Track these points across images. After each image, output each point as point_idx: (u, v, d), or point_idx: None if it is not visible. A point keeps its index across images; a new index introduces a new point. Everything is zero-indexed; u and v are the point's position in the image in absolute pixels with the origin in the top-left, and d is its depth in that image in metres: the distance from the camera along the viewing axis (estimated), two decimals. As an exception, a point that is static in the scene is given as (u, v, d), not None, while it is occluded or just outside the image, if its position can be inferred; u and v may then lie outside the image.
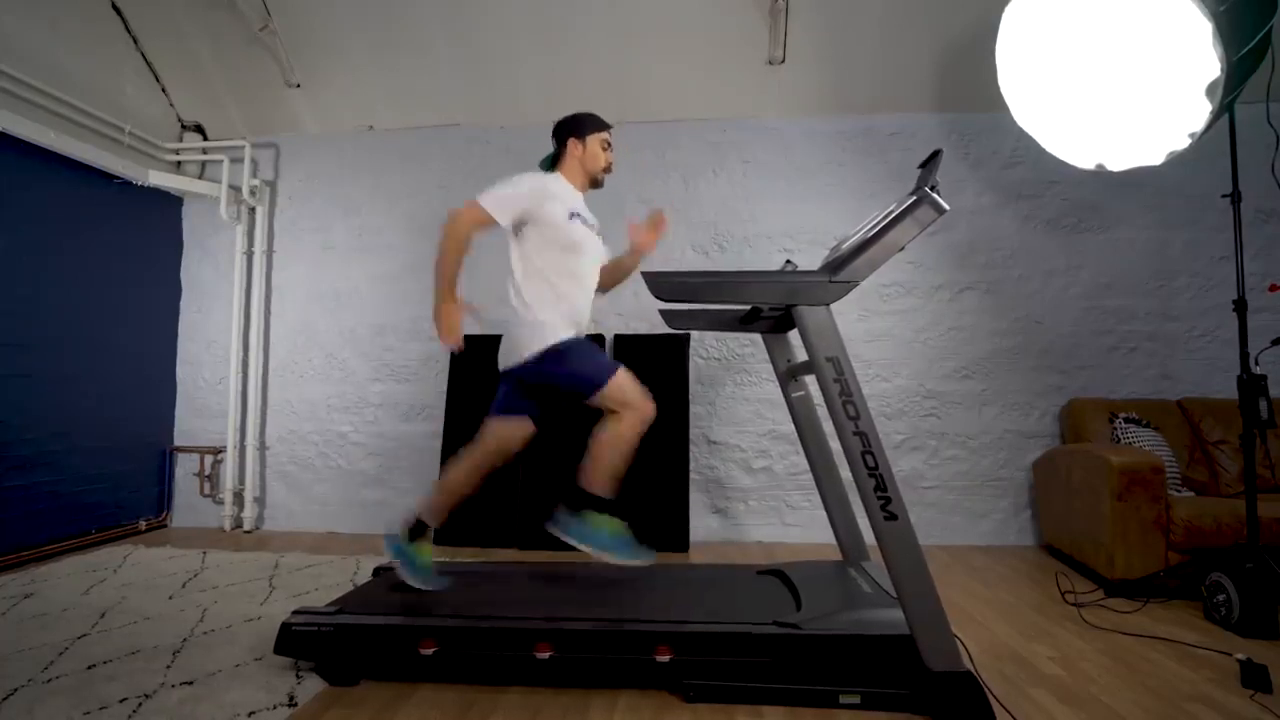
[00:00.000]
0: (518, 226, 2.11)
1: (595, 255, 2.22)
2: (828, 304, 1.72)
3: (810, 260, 3.25)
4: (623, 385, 2.03)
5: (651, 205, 3.76)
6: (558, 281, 2.10)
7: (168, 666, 1.93)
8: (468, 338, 3.73)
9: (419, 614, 1.95)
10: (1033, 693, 1.80)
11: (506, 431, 2.19)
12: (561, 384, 2.08)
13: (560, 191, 2.15)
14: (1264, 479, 2.73)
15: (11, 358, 3.13)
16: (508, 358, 2.13)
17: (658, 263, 3.62)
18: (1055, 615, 2.42)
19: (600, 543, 2.01)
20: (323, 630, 1.86)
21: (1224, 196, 2.42)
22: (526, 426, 2.21)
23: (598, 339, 3.73)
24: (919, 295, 3.67)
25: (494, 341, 3.71)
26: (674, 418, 3.54)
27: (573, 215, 2.12)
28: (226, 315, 3.99)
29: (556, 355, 2.06)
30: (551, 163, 2.27)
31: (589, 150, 2.22)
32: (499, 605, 2.04)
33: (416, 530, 2.18)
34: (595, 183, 2.27)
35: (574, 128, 2.23)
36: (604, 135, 2.25)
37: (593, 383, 2.02)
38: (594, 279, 2.23)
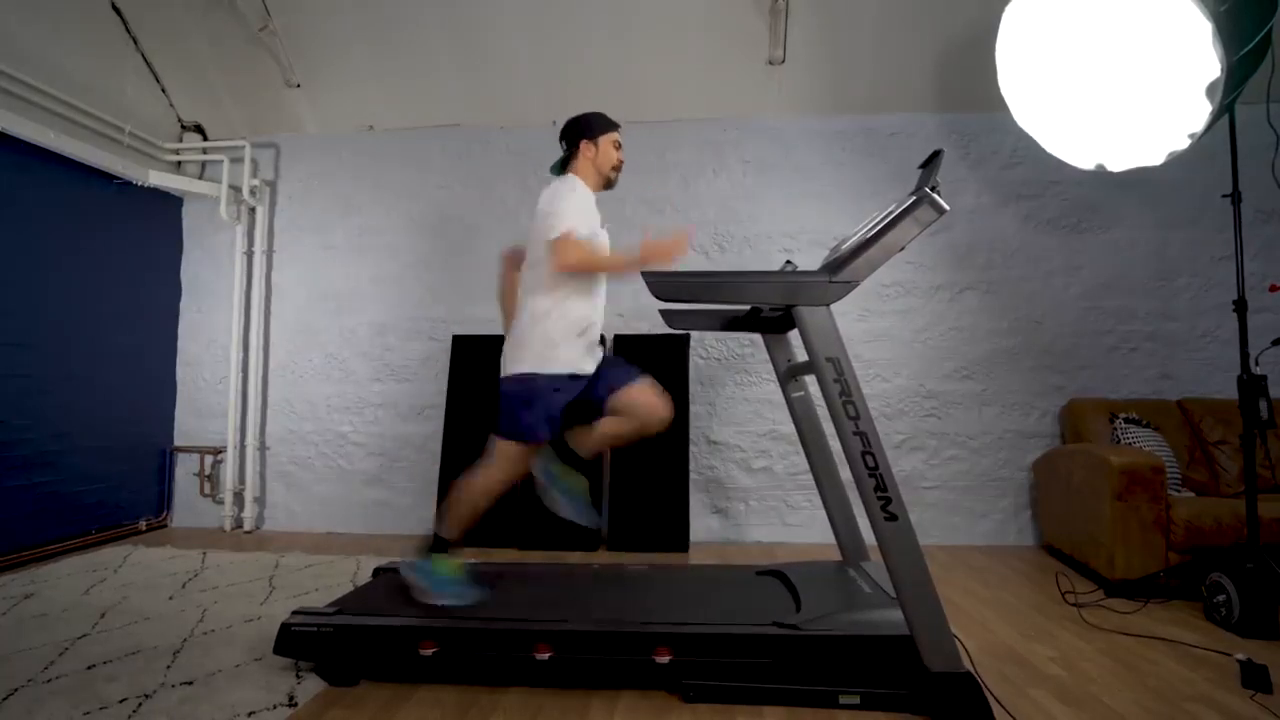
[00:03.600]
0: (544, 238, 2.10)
1: None
2: (828, 304, 1.72)
3: (810, 260, 3.24)
4: (524, 453, 2.07)
5: (652, 206, 3.76)
6: (579, 298, 2.09)
7: (168, 666, 1.93)
8: (465, 338, 3.76)
9: (419, 614, 1.95)
10: (1033, 693, 1.80)
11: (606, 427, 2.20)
12: (505, 406, 2.07)
13: (592, 203, 2.16)
14: (1264, 479, 2.73)
15: (11, 358, 3.13)
16: (507, 366, 2.10)
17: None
18: (1055, 615, 2.42)
19: (435, 583, 2.07)
20: (322, 631, 1.86)
21: (1224, 196, 2.42)
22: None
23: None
24: (919, 295, 3.67)
25: (494, 342, 3.73)
26: (674, 418, 3.53)
27: (604, 225, 2.16)
28: (226, 315, 3.99)
29: (534, 385, 2.03)
30: (562, 166, 2.25)
31: (601, 151, 2.20)
32: (499, 606, 2.04)
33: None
34: (608, 183, 2.25)
35: (585, 129, 2.21)
36: (614, 135, 2.23)
37: (523, 434, 2.04)
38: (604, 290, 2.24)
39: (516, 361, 2.06)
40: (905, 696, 1.69)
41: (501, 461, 2.08)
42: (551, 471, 2.17)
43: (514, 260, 2.27)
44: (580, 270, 2.03)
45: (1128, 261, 3.60)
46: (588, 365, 2.12)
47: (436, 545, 2.11)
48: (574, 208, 2.05)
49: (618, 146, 2.24)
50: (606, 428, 2.13)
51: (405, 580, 2.09)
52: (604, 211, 2.29)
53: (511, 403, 2.05)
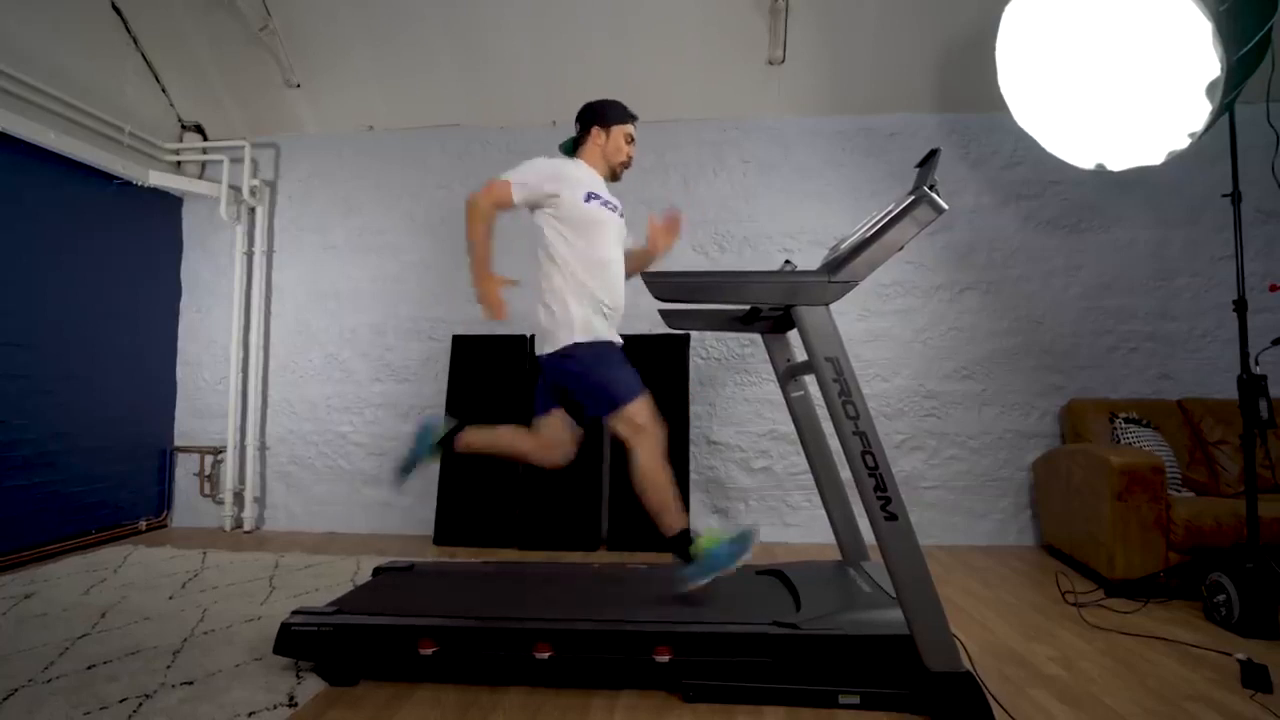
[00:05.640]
0: (535, 210, 2.08)
1: (618, 237, 2.18)
2: (827, 304, 1.71)
3: (810, 260, 3.23)
4: (642, 409, 1.99)
5: (652, 206, 3.75)
6: (583, 270, 2.06)
7: (168, 666, 1.93)
8: (465, 338, 3.76)
9: (418, 614, 1.94)
10: (1032, 693, 1.80)
11: (545, 431, 2.18)
12: (576, 388, 2.05)
13: (579, 175, 2.12)
14: (1264, 479, 2.72)
15: (11, 358, 3.13)
16: (540, 344, 2.11)
17: (657, 263, 3.61)
18: (1055, 615, 2.42)
19: (721, 561, 1.97)
20: (322, 630, 1.86)
21: (1224, 196, 2.41)
22: (565, 425, 2.18)
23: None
24: (919, 295, 3.67)
25: (494, 342, 3.74)
26: (674, 418, 3.53)
27: (590, 197, 2.09)
28: (226, 315, 3.99)
29: (580, 355, 2.02)
30: (573, 147, 2.26)
31: (611, 140, 2.20)
32: (499, 605, 2.04)
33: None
34: (613, 175, 2.24)
35: (599, 115, 2.21)
36: (628, 128, 2.23)
37: (612, 399, 1.98)
38: (620, 263, 2.18)
39: (554, 338, 2.04)
40: (905, 696, 1.68)
41: (622, 431, 1.99)
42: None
43: None
44: (469, 208, 2.01)
45: (1127, 261, 3.60)
46: (615, 337, 2.13)
47: (680, 541, 2.02)
48: (542, 168, 2.07)
49: (630, 140, 2.23)
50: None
51: (694, 588, 1.98)
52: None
53: (583, 372, 2.01)
